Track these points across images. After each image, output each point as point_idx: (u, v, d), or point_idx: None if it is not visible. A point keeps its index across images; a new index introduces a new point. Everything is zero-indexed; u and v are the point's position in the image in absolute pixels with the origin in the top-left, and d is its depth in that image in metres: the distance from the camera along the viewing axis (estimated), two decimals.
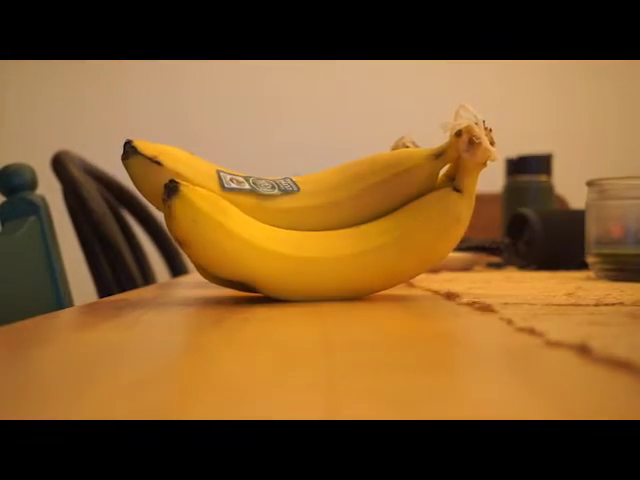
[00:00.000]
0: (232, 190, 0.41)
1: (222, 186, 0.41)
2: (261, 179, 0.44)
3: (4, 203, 0.73)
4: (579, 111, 1.88)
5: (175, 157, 0.42)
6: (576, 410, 0.16)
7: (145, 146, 0.42)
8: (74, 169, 1.00)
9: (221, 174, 0.42)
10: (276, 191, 0.43)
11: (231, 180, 0.42)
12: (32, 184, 0.74)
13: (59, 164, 0.99)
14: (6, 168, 0.73)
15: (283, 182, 0.44)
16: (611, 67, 1.84)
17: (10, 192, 0.73)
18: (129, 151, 0.41)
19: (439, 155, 0.43)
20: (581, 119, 1.87)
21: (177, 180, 0.39)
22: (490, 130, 0.42)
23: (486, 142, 0.41)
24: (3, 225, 0.72)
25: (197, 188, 0.39)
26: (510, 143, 1.70)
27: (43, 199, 0.75)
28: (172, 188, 0.38)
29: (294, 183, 0.44)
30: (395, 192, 0.43)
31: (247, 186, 0.42)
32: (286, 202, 0.43)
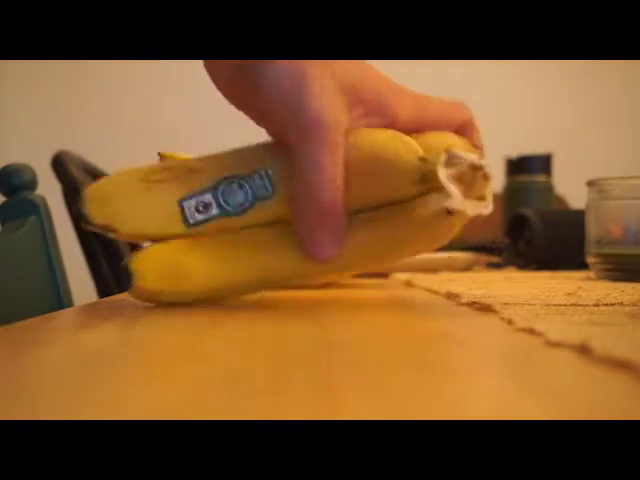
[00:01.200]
0: (197, 224, 0.39)
1: (187, 223, 0.39)
2: (233, 182, 0.40)
3: (4, 203, 0.73)
4: (579, 111, 1.88)
5: (128, 209, 0.40)
6: (576, 410, 0.16)
7: (97, 207, 0.39)
8: (74, 169, 1.00)
9: (184, 205, 0.39)
10: (247, 204, 0.40)
11: (197, 209, 0.39)
12: (32, 184, 0.74)
13: (59, 164, 0.99)
14: (6, 168, 0.73)
15: (258, 181, 0.40)
16: (612, 67, 1.84)
17: (10, 192, 0.73)
18: (84, 222, 0.40)
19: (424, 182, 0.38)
20: (581, 119, 1.87)
21: (130, 267, 0.38)
22: (481, 167, 0.36)
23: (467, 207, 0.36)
24: (3, 225, 0.72)
25: (151, 264, 0.39)
26: (510, 143, 1.70)
27: (43, 199, 0.75)
28: (129, 277, 0.38)
29: (270, 182, 0.40)
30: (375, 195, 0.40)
31: (215, 211, 0.39)
32: (256, 218, 0.40)
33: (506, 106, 1.82)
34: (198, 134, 1.73)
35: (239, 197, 0.39)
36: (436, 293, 0.48)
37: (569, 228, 0.85)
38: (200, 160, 0.41)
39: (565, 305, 0.37)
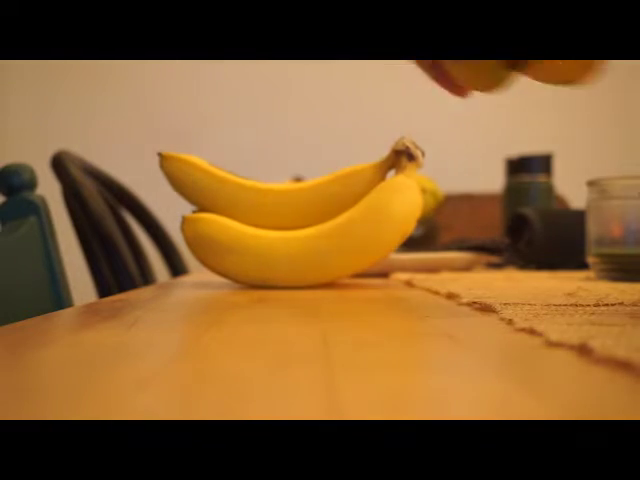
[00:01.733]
0: None
1: None
2: None
3: (4, 203, 0.73)
4: (579, 111, 1.88)
5: None
6: (576, 410, 0.16)
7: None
8: (74, 169, 1.00)
9: None
10: None
11: None
12: (32, 184, 0.74)
13: (59, 164, 0.99)
14: (6, 168, 0.73)
15: None
16: (611, 67, 1.84)
17: (10, 192, 0.73)
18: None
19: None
20: (581, 119, 1.87)
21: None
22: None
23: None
24: (3, 225, 0.72)
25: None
26: (510, 143, 1.70)
27: (43, 199, 0.75)
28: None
29: None
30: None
31: None
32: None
33: (506, 106, 1.82)
34: (198, 134, 1.73)
35: None
36: (436, 293, 0.48)
37: (569, 228, 0.84)
38: None
39: (565, 305, 0.37)
